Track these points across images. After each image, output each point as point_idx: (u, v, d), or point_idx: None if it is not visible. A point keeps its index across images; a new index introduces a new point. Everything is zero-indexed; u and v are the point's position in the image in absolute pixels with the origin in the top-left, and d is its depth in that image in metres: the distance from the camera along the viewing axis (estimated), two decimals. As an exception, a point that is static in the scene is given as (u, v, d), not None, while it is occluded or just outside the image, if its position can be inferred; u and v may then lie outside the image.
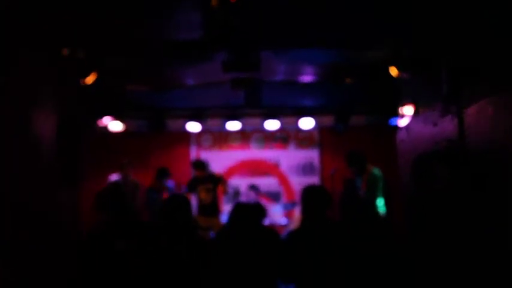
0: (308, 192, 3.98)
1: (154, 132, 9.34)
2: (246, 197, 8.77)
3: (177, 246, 3.67)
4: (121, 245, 3.70)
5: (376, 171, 7.58)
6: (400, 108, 7.77)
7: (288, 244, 3.84)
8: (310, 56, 6.68)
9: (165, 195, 8.38)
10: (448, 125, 5.41)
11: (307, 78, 7.85)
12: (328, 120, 9.34)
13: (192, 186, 8.26)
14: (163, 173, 8.50)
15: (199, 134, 9.87)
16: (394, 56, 6.18)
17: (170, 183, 8.57)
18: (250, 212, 4.35)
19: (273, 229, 6.53)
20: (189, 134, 9.79)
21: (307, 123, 9.16)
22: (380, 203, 7.43)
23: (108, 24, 5.47)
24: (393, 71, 6.24)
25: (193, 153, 9.85)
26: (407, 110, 7.69)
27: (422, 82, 6.40)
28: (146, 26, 5.61)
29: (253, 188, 8.92)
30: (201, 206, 8.15)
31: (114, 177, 8.27)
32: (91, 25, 5.43)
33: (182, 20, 5.48)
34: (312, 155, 9.82)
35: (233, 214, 4.40)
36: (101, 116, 8.40)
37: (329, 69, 7.39)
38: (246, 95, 8.48)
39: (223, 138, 9.97)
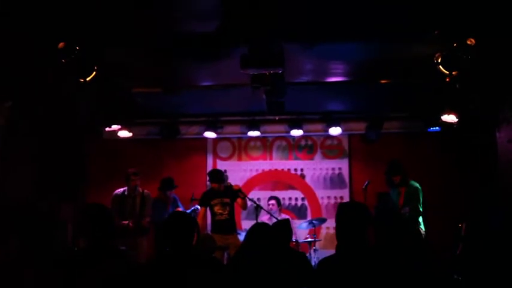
0: (345, 211, 3.41)
1: (167, 139, 9.08)
2: (267, 212, 8.28)
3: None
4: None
5: (416, 183, 7.25)
6: (441, 115, 7.49)
7: (320, 274, 3.28)
8: (342, 50, 6.05)
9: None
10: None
11: (336, 78, 7.24)
12: (359, 126, 9.06)
13: (206, 199, 7.74)
14: (167, 184, 8.13)
15: (216, 142, 9.60)
16: (443, 52, 5.46)
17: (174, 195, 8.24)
18: (271, 232, 3.98)
19: (300, 252, 6.13)
20: (205, 141, 9.54)
21: (335, 130, 8.90)
22: (420, 219, 7.09)
23: (109, 12, 4.91)
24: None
25: (210, 162, 9.56)
26: (449, 118, 7.46)
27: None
28: (153, 15, 5.06)
29: (275, 201, 8.58)
30: (216, 222, 7.64)
31: (120, 190, 7.77)
32: (89, 13, 4.89)
33: (195, 8, 4.95)
34: (341, 165, 9.47)
35: (251, 234, 4.00)
36: (108, 122, 7.89)
37: (361, 68, 6.77)
38: (268, 98, 7.81)
39: (242, 147, 9.68)
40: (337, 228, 3.38)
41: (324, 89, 7.71)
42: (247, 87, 7.03)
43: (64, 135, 7.93)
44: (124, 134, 8.50)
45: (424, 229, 7.09)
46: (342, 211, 3.44)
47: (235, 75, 6.52)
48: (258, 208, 7.64)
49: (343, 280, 3.15)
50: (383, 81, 7.25)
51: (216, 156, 9.59)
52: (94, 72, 5.38)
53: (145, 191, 7.78)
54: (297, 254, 5.86)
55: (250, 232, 4.06)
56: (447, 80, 6.72)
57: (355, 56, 6.26)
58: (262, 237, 3.92)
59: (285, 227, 5.42)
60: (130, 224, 7.34)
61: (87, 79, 5.27)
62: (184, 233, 3.48)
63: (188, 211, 7.99)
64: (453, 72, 5.56)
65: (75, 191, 8.54)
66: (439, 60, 5.49)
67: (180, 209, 8.08)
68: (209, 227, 7.94)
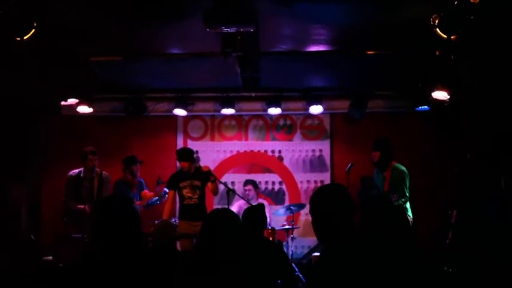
0: (323, 196, 2.99)
1: (132, 117, 8.64)
2: (241, 197, 7.90)
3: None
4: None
5: (402, 166, 6.89)
6: (431, 93, 7.28)
7: (320, 277, 2.88)
8: (324, 11, 5.46)
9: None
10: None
11: (317, 47, 6.71)
12: (342, 105, 8.74)
13: (173, 182, 7.35)
14: (129, 161, 7.70)
15: (186, 121, 9.18)
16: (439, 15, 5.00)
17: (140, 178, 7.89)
18: (231, 220, 3.41)
19: (273, 242, 5.60)
20: (174, 120, 9.10)
21: (316, 108, 8.58)
22: (408, 205, 6.74)
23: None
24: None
25: (180, 143, 9.10)
26: (440, 95, 7.23)
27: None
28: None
29: (252, 186, 8.27)
30: (184, 207, 7.30)
31: (76, 172, 7.31)
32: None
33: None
34: (322, 147, 9.14)
35: (206, 225, 3.45)
36: (63, 96, 7.37)
37: (346, 34, 6.26)
38: (243, 71, 7.46)
39: (215, 126, 9.27)
40: (316, 218, 2.93)
41: (304, 61, 7.25)
42: (220, 58, 6.63)
43: (10, 109, 7.38)
44: (84, 109, 8.02)
45: (412, 216, 6.70)
46: (320, 196, 2.99)
47: (206, 42, 6.22)
48: (229, 192, 7.22)
49: (348, 276, 2.75)
50: (369, 52, 6.82)
51: (186, 136, 9.17)
52: (33, 30, 4.77)
53: (104, 172, 7.38)
54: (271, 243, 5.44)
55: (206, 222, 3.47)
56: (438, 52, 6.42)
57: (340, 19, 5.75)
58: (219, 227, 3.31)
59: (258, 213, 4.98)
60: (87, 209, 6.85)
61: (25, 38, 4.64)
62: (121, 228, 2.88)
63: (155, 199, 7.57)
64: (452, 37, 5.09)
65: (25, 171, 8.08)
66: (436, 22, 4.98)
67: (147, 192, 7.63)
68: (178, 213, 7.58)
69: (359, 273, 2.77)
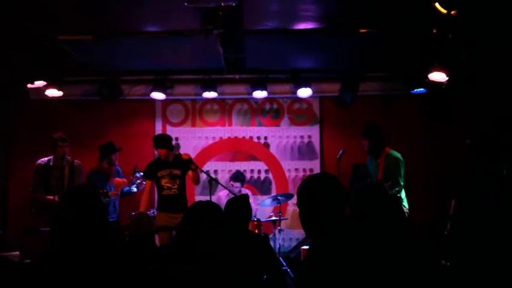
0: (315, 188, 2.86)
1: (107, 101, 8.37)
2: (223, 186, 7.75)
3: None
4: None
5: (397, 153, 6.70)
6: (427, 74, 7.01)
7: (309, 276, 2.75)
8: None
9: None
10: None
11: (306, 25, 6.43)
12: (332, 87, 8.63)
13: (151, 170, 7.03)
14: (107, 148, 7.39)
15: (165, 105, 8.91)
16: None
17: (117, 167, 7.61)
18: (213, 213, 3.26)
19: (258, 235, 5.45)
20: (152, 104, 8.82)
21: (304, 91, 8.45)
22: (403, 194, 6.56)
23: None
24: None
25: (159, 129, 8.81)
26: (437, 77, 6.98)
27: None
28: None
29: (239, 184, 8.00)
30: (163, 197, 6.99)
31: (45, 160, 7.01)
32: None
33: None
34: (311, 132, 8.99)
35: (187, 217, 3.30)
36: (29, 78, 6.97)
37: (336, 10, 5.99)
38: (225, 51, 7.19)
39: (196, 111, 9.03)
40: (304, 211, 2.82)
41: (292, 41, 6.98)
42: (200, 36, 6.31)
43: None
44: (53, 93, 7.64)
45: (407, 207, 6.48)
46: (308, 187, 2.86)
47: (185, 19, 5.98)
48: (212, 182, 6.92)
49: (341, 271, 2.64)
50: (362, 31, 6.54)
51: (166, 121, 8.89)
52: None
53: (76, 160, 7.07)
54: (256, 236, 5.26)
55: (187, 214, 3.23)
56: (436, 30, 6.22)
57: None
58: (201, 220, 3.08)
59: (241, 204, 4.76)
60: (56, 200, 6.40)
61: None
62: (82, 221, 2.78)
63: (133, 187, 7.25)
64: (452, 12, 4.83)
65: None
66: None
67: (118, 179, 7.29)
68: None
69: (351, 271, 2.65)
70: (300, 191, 2.87)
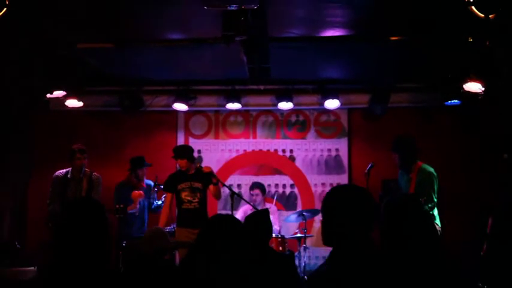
0: (338, 197, 2.72)
1: (128, 112, 8.41)
2: (246, 201, 7.63)
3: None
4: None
5: (430, 167, 6.54)
6: (462, 85, 6.93)
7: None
8: None
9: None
10: None
11: (333, 32, 6.37)
12: (361, 99, 8.58)
13: (171, 183, 6.97)
14: (136, 162, 7.42)
15: (188, 116, 8.98)
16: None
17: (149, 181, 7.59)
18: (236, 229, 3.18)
19: (281, 254, 5.80)
20: (174, 115, 8.92)
21: (332, 103, 8.39)
22: (435, 212, 6.39)
23: None
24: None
25: (181, 141, 8.86)
26: (473, 87, 6.85)
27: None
28: None
29: (259, 191, 7.94)
30: (183, 212, 6.90)
31: (63, 172, 6.97)
32: None
33: None
34: (339, 146, 8.96)
35: (205, 233, 3.24)
36: (47, 88, 7.03)
37: (366, 16, 5.89)
38: (250, 60, 7.07)
39: (220, 123, 9.08)
40: (326, 223, 2.68)
41: (318, 49, 6.98)
42: (223, 45, 6.22)
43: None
44: (73, 103, 7.69)
45: (440, 225, 6.31)
46: (334, 198, 2.70)
47: (207, 26, 5.97)
48: (233, 196, 6.83)
49: None
50: (393, 38, 6.44)
51: (188, 133, 8.94)
52: (5, 8, 4.44)
53: (95, 173, 7.03)
54: (278, 255, 5.14)
55: (205, 229, 3.11)
56: (471, 39, 6.09)
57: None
58: (218, 236, 2.97)
59: (261, 219, 4.53)
60: None
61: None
62: (78, 238, 2.62)
63: (158, 201, 7.33)
64: (490, 16, 4.66)
65: (8, 172, 7.82)
66: (472, -1, 4.55)
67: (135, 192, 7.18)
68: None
69: None
70: (324, 202, 2.74)
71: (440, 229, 6.23)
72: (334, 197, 2.73)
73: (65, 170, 6.92)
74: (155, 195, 7.35)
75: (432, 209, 6.27)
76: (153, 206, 7.32)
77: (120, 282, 2.67)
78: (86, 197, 6.32)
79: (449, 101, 7.94)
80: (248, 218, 4.61)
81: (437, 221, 6.29)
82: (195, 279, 3.13)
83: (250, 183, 8.34)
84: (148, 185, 7.43)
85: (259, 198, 7.80)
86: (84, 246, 2.59)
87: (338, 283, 2.49)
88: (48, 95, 7.14)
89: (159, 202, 7.25)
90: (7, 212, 7.71)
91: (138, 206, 7.13)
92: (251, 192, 7.92)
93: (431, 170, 6.43)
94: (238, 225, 3.25)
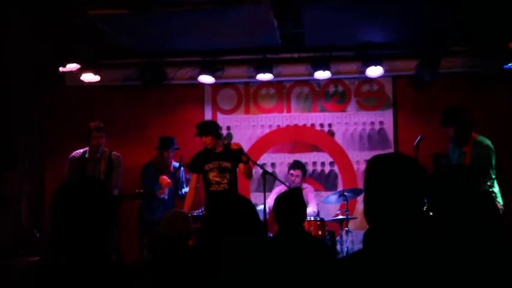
0: (383, 167, 2.45)
1: (150, 86, 8.33)
2: (280, 181, 7.34)
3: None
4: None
5: (487, 140, 6.19)
6: None
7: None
8: None
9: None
10: None
11: None
12: (408, 65, 8.33)
13: (197, 163, 6.68)
14: (167, 143, 7.38)
15: (215, 90, 8.82)
16: None
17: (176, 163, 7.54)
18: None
19: (319, 240, 5.45)
20: (201, 89, 8.75)
21: (375, 70, 8.14)
22: (496, 189, 5.99)
23: None
24: None
25: (208, 116, 8.68)
26: None
27: None
28: None
29: (300, 172, 7.68)
30: (211, 194, 6.63)
31: (80, 152, 6.85)
32: None
33: None
34: (383, 118, 8.72)
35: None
36: (59, 61, 6.91)
37: None
38: (281, 25, 6.92)
39: (250, 96, 8.90)
40: (367, 197, 2.39)
41: (359, 9, 6.64)
42: (251, 6, 6.16)
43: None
44: (89, 77, 7.56)
45: (502, 203, 5.88)
46: (378, 167, 2.42)
47: None
48: (265, 175, 6.48)
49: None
50: None
51: (216, 108, 8.79)
52: None
53: (114, 152, 6.90)
54: (315, 241, 4.91)
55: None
56: None
57: None
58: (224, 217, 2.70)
59: (290, 200, 4.38)
60: None
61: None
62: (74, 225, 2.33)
63: (186, 189, 7.14)
64: None
65: (24, 155, 7.69)
66: None
67: (164, 178, 7.07)
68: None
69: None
70: (367, 170, 2.48)
71: (502, 207, 5.80)
72: (374, 166, 2.48)
73: (82, 150, 6.78)
74: (182, 176, 7.11)
75: (492, 186, 5.87)
76: (180, 193, 7.17)
77: (122, 278, 2.37)
78: (87, 177, 6.03)
79: (509, 65, 7.56)
80: (276, 199, 4.41)
81: (499, 199, 5.89)
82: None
83: (288, 162, 8.14)
84: (175, 168, 7.28)
85: (298, 179, 7.54)
86: (83, 235, 2.32)
87: (368, 272, 2.20)
88: (61, 68, 6.95)
89: (187, 189, 7.03)
90: (24, 198, 7.57)
91: (166, 190, 7.02)
92: (291, 171, 7.67)
93: (488, 142, 6.05)
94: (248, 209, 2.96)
